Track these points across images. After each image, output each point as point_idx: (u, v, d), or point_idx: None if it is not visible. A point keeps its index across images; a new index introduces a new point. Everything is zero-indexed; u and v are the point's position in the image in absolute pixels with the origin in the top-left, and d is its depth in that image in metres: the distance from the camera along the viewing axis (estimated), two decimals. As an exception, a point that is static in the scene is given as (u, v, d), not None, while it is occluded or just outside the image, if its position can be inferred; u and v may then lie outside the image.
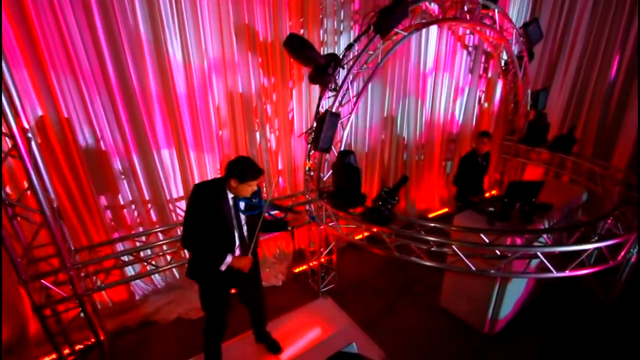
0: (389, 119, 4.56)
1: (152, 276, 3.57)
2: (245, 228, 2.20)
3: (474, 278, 3.08)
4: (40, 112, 2.57)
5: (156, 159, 3.14)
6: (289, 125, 3.72)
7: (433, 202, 5.52)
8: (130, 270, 3.10)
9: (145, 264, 2.68)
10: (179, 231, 3.07)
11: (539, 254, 2.35)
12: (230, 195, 2.09)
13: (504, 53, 4.58)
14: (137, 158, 3.08)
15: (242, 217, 2.17)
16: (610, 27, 4.28)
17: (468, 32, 4.77)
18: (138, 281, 3.50)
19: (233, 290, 2.42)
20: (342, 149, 3.19)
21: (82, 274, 2.42)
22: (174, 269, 3.64)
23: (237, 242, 2.19)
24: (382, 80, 4.25)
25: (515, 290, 3.06)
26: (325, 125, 2.76)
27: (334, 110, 3.05)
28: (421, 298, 3.65)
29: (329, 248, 3.67)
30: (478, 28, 4.09)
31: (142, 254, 2.68)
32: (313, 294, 3.68)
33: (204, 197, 2.04)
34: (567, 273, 2.40)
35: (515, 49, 4.34)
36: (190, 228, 2.06)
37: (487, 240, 2.56)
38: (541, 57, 4.91)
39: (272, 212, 2.23)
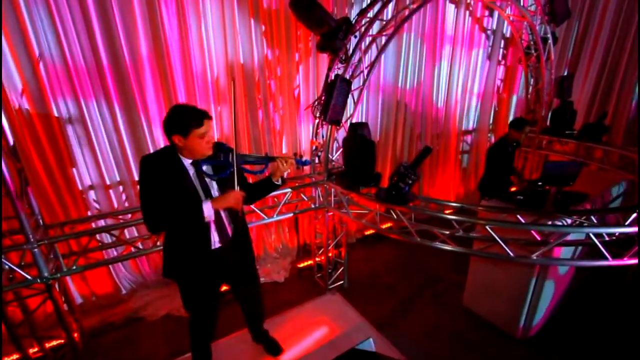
0: (401, 106, 4.24)
1: (142, 268, 3.23)
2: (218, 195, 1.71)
3: (504, 272, 2.68)
4: (18, 80, 2.29)
5: (147, 135, 2.84)
6: (295, 104, 3.41)
7: (448, 198, 5.13)
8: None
9: (133, 249, 2.34)
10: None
11: (591, 235, 1.96)
12: (187, 162, 1.63)
13: (525, 34, 4.26)
14: (126, 133, 2.78)
15: (212, 184, 1.71)
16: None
17: (487, 13, 4.47)
18: (126, 273, 3.16)
19: (223, 288, 1.97)
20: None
21: (52, 256, 2.07)
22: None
23: (213, 217, 1.68)
24: (395, 64, 3.95)
25: (554, 284, 2.65)
26: (335, 91, 2.44)
27: (344, 81, 2.74)
28: (441, 297, 3.24)
29: (337, 240, 3.30)
30: (498, 4, 3.79)
31: (127, 235, 2.33)
32: (320, 291, 3.29)
33: (153, 170, 1.58)
34: (625, 261, 2.00)
35: (538, 29, 4.02)
36: (149, 205, 1.59)
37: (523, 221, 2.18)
38: (564, 40, 4.58)
39: (246, 166, 1.71)
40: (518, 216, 2.19)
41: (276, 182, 1.83)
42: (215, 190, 1.72)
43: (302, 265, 3.70)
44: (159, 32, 2.61)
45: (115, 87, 2.64)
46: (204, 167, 1.64)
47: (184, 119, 1.53)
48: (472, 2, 4.26)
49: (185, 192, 1.63)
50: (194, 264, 1.73)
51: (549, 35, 4.10)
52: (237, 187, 1.65)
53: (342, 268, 3.36)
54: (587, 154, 4.30)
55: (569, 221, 2.15)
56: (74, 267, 2.03)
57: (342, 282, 3.37)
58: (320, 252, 3.40)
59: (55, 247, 2.02)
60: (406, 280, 3.50)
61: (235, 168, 1.62)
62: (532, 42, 4.22)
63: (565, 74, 4.59)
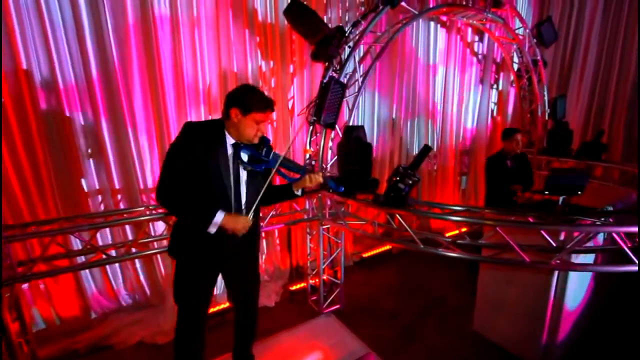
0: (397, 126, 4.21)
1: (117, 291, 2.92)
2: (244, 188, 1.68)
3: (518, 287, 2.43)
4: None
5: (132, 142, 2.69)
6: (289, 115, 3.34)
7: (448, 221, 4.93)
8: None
9: (104, 257, 2.07)
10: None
11: (615, 236, 1.77)
12: (229, 141, 1.61)
13: (515, 56, 4.36)
14: (109, 140, 2.64)
15: (243, 173, 1.66)
16: (626, 21, 4.07)
17: (477, 38, 4.62)
18: (97, 294, 2.83)
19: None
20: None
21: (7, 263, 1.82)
22: (144, 283, 3.00)
23: (233, 204, 1.66)
24: (390, 84, 3.98)
25: (575, 300, 2.39)
26: (329, 93, 2.36)
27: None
28: (448, 322, 2.92)
29: (332, 258, 3.04)
30: (488, 25, 3.91)
31: (100, 242, 2.08)
32: (314, 315, 2.96)
33: (194, 137, 1.55)
34: (653, 265, 1.79)
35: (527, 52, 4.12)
36: (168, 173, 1.55)
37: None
38: (553, 62, 4.69)
39: (284, 171, 1.71)
40: (530, 219, 2.01)
41: (296, 193, 1.82)
42: (243, 180, 1.68)
43: (294, 287, 3.39)
44: (151, 39, 2.57)
45: (103, 92, 2.54)
46: (242, 154, 1.61)
47: (251, 97, 1.55)
48: (462, 27, 4.41)
49: (213, 169, 1.57)
50: (199, 244, 1.66)
51: (539, 57, 4.20)
52: (250, 217, 1.63)
53: (338, 290, 3.06)
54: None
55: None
56: (29, 274, 1.76)
57: (338, 306, 3.04)
58: (314, 272, 3.12)
59: (9, 253, 1.78)
60: (409, 304, 3.19)
61: (274, 169, 1.61)
62: (522, 65, 4.31)
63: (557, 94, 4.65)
